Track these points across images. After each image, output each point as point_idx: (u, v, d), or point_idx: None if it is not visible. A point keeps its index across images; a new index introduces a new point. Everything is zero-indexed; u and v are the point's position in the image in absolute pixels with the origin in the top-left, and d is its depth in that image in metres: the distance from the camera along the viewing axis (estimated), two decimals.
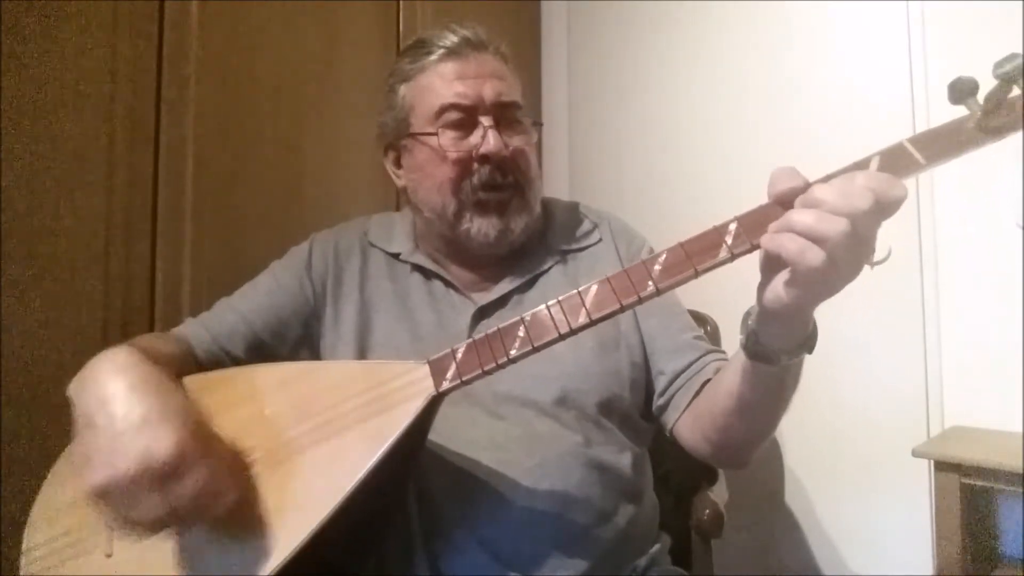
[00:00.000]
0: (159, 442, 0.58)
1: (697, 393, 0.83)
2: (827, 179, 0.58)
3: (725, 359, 0.87)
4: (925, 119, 1.35)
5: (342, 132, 1.49)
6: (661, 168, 1.77)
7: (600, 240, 0.95)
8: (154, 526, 0.59)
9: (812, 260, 0.53)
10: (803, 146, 1.50)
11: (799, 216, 0.54)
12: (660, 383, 0.88)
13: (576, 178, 1.97)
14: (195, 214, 1.24)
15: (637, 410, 0.90)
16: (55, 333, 1.06)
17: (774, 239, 0.56)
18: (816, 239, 0.53)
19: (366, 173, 1.52)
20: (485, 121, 0.85)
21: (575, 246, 0.94)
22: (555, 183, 1.98)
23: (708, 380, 0.82)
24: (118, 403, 0.61)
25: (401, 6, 1.63)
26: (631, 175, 1.84)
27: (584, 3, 1.96)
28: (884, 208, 0.54)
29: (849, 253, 0.54)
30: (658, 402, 0.88)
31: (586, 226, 0.97)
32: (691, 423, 0.83)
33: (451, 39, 0.88)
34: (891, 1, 1.41)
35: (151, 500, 0.57)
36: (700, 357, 0.86)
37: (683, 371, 0.86)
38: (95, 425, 0.60)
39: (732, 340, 0.90)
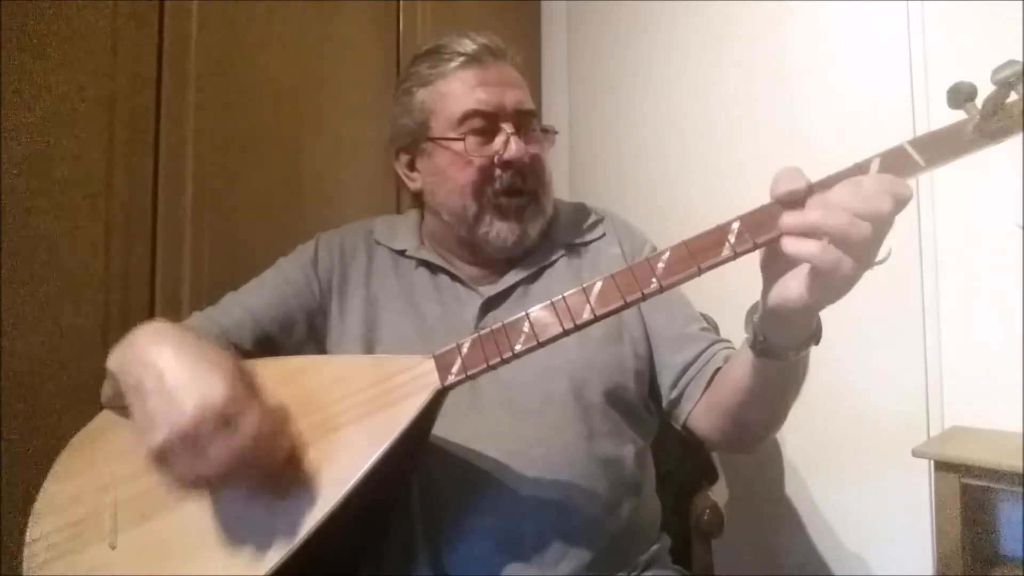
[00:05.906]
0: (211, 389, 0.59)
1: (708, 383, 0.84)
2: (829, 180, 0.58)
3: (732, 348, 0.88)
4: (925, 118, 1.36)
5: (342, 132, 1.49)
6: (661, 168, 1.78)
7: (604, 235, 0.97)
8: (221, 476, 0.60)
9: (844, 267, 0.54)
10: (803, 145, 1.51)
11: (832, 220, 0.54)
12: (670, 376, 0.88)
13: (576, 178, 1.97)
14: (195, 214, 1.24)
15: (641, 401, 0.90)
16: (55, 333, 1.06)
17: (801, 245, 0.56)
18: (845, 243, 0.54)
19: (366, 173, 1.52)
20: (507, 128, 0.87)
21: (580, 240, 0.96)
22: (555, 183, 1.96)
23: (718, 369, 0.84)
24: (164, 363, 0.62)
25: (401, 6, 1.63)
26: (631, 175, 1.84)
27: (584, 3, 1.97)
28: (900, 209, 0.55)
29: (870, 256, 0.55)
30: (670, 395, 0.88)
31: (591, 221, 0.99)
32: (704, 415, 0.85)
33: (471, 46, 0.89)
34: (891, 1, 1.42)
35: (215, 447, 0.58)
36: (707, 347, 0.88)
37: (692, 362, 0.87)
38: (145, 389, 0.61)
39: (733, 337, 0.91)
